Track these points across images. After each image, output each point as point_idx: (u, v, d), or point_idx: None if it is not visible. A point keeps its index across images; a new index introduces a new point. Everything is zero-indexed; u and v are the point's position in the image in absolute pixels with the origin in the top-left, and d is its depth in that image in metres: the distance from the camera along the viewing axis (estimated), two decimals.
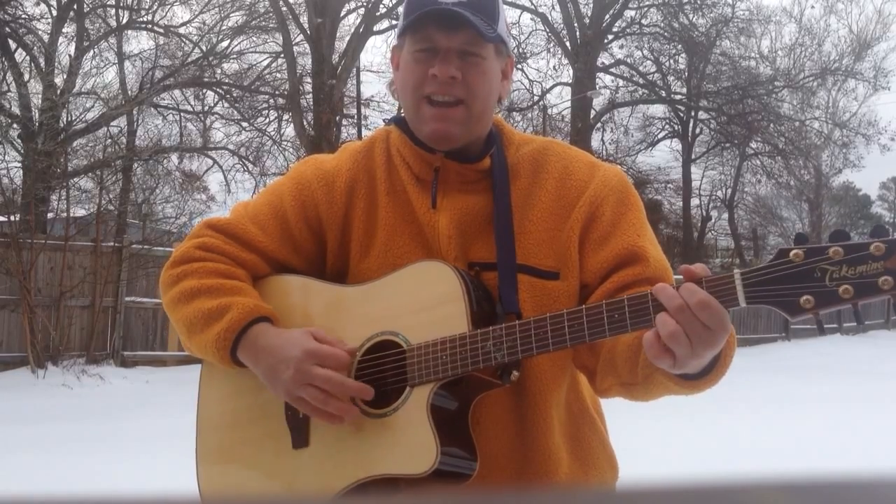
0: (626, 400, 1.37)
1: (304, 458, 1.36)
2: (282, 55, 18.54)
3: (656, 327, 1.10)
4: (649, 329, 1.13)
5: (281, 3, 16.89)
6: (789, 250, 1.08)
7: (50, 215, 12.96)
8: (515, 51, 20.90)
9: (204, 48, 19.49)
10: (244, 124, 20.22)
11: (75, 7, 17.13)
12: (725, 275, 1.11)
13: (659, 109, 25.97)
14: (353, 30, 17.81)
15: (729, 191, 27.96)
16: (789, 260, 1.07)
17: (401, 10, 1.41)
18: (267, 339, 1.32)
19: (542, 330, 1.22)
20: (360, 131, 17.51)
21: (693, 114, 25.23)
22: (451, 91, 1.33)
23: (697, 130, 26.16)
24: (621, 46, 23.79)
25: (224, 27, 19.70)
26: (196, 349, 1.41)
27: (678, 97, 24.63)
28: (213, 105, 20.41)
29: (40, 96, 15.22)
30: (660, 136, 26.46)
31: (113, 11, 18.47)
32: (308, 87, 17.53)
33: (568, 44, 21.77)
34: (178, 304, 1.41)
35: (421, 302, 1.31)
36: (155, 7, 18.68)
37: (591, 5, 21.71)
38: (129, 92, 18.44)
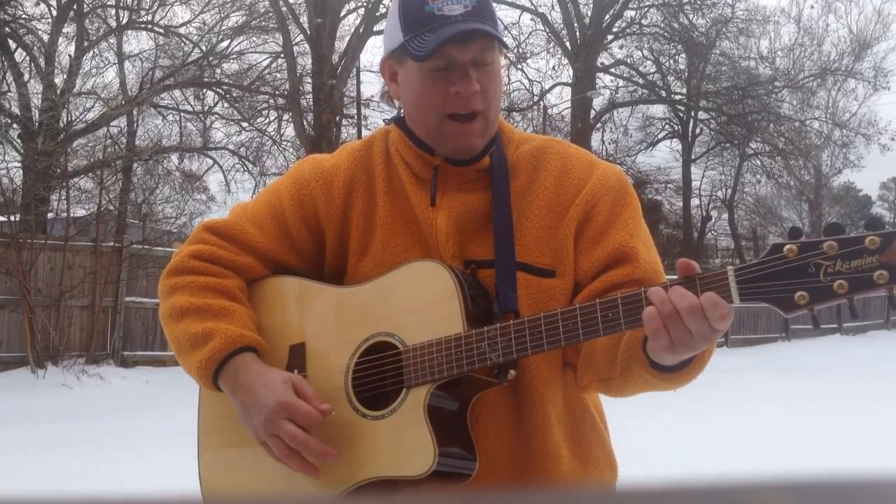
0: (606, 396, 1.38)
1: None
2: (282, 55, 18.54)
3: (654, 305, 1.11)
4: (643, 327, 1.13)
5: (281, 3, 16.89)
6: (783, 245, 1.07)
7: (50, 215, 12.96)
8: (515, 51, 20.89)
9: (204, 48, 19.47)
10: (244, 124, 20.20)
11: (75, 7, 17.11)
12: (719, 271, 1.11)
13: (659, 109, 25.98)
14: (353, 30, 17.83)
15: (729, 191, 27.95)
16: (783, 255, 1.07)
17: (392, 10, 1.38)
18: (247, 377, 1.33)
19: (536, 329, 1.22)
20: (360, 131, 17.51)
21: (693, 114, 25.22)
22: (472, 105, 1.33)
23: (697, 130, 26.14)
24: (621, 46, 23.80)
25: (224, 27, 19.70)
26: (183, 367, 1.43)
27: (678, 97, 24.62)
28: (213, 105, 20.39)
29: (40, 96, 15.22)
30: (660, 136, 26.45)
31: (113, 11, 18.45)
32: (308, 87, 17.52)
33: (568, 44, 21.76)
34: (168, 320, 1.43)
35: (416, 302, 1.31)
36: (155, 7, 18.68)
37: (591, 5, 21.70)
38: (129, 92, 18.41)
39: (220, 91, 19.72)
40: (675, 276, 1.16)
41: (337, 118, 16.71)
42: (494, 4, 1.44)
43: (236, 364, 1.34)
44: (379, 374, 1.33)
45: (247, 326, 1.39)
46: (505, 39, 1.43)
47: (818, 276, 1.05)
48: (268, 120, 20.53)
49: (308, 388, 1.31)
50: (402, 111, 1.47)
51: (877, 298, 22.39)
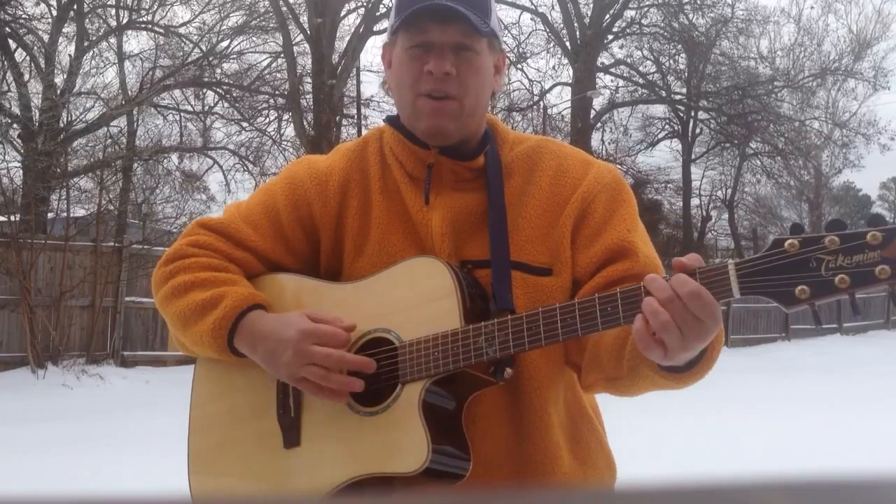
0: (612, 395, 1.37)
1: (295, 457, 1.36)
2: (282, 55, 18.55)
3: (647, 317, 1.09)
4: None
5: (281, 3, 16.90)
6: (784, 240, 1.07)
7: (50, 215, 12.96)
8: (515, 51, 20.90)
9: (204, 48, 19.47)
10: (244, 124, 20.21)
11: (75, 7, 17.11)
12: (719, 265, 1.11)
13: (659, 109, 25.98)
14: (353, 30, 17.84)
15: (729, 191, 27.97)
16: (784, 250, 1.07)
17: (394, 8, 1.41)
18: (264, 325, 1.33)
19: (534, 324, 1.21)
20: (360, 131, 17.51)
21: (693, 114, 25.23)
22: (446, 88, 1.33)
23: (697, 130, 26.15)
24: (621, 46, 23.81)
25: (224, 27, 19.69)
26: (190, 342, 1.40)
27: (678, 97, 24.62)
28: (213, 105, 20.39)
29: (40, 96, 15.22)
30: (660, 136, 26.45)
31: (113, 11, 18.45)
32: (308, 87, 17.53)
33: (568, 44, 21.77)
34: (171, 299, 1.41)
35: (413, 298, 1.30)
36: (155, 7, 18.67)
37: (591, 5, 21.72)
38: (129, 92, 18.41)
39: (220, 91, 19.73)
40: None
41: (337, 118, 16.71)
42: (496, 5, 1.44)
43: (252, 319, 1.34)
44: (374, 370, 1.32)
45: (255, 290, 1.39)
46: (500, 38, 1.43)
47: (819, 270, 1.04)
48: (268, 120, 20.56)
49: (322, 314, 1.32)
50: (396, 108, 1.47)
51: (877, 298, 22.39)
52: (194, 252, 1.44)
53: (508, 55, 1.47)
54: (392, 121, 1.46)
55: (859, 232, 1.03)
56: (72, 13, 17.19)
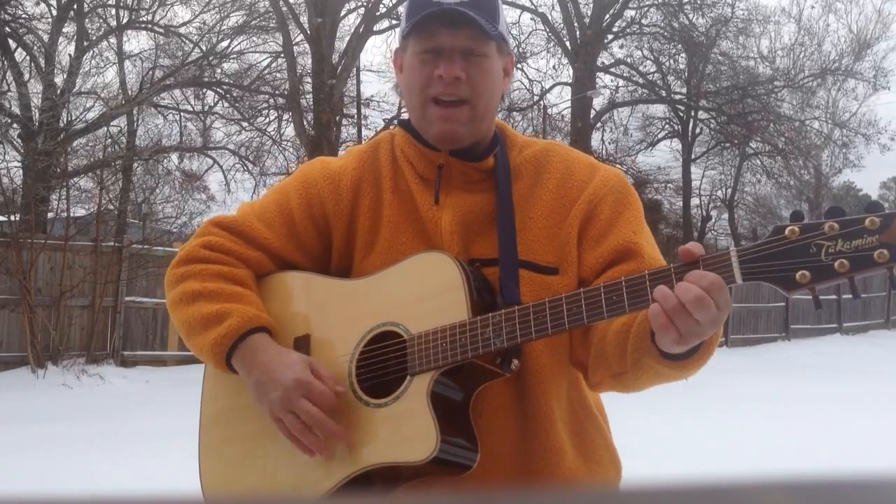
0: (618, 392, 1.39)
1: None
2: (282, 55, 18.53)
3: (658, 300, 1.12)
4: (646, 309, 1.15)
5: (281, 3, 16.88)
6: (785, 227, 1.10)
7: (50, 215, 12.97)
8: (515, 51, 20.87)
9: (204, 48, 19.46)
10: (244, 124, 20.21)
11: (75, 7, 17.10)
12: (722, 252, 1.14)
13: (659, 109, 25.96)
14: (353, 30, 17.80)
15: (729, 191, 27.95)
16: (785, 236, 1.09)
17: (402, 10, 1.43)
18: (265, 356, 1.35)
19: (540, 314, 1.23)
20: (360, 131, 17.52)
21: (693, 114, 25.20)
22: (456, 91, 1.35)
23: (697, 130, 26.12)
24: (621, 46, 23.78)
25: (224, 27, 19.68)
26: (194, 350, 1.44)
27: (678, 97, 24.60)
28: (213, 105, 20.39)
29: (40, 96, 15.21)
30: (660, 135, 26.42)
31: (113, 11, 18.44)
32: (308, 87, 17.51)
33: (568, 44, 21.76)
34: (179, 305, 1.44)
35: (421, 292, 1.33)
36: (155, 7, 18.67)
37: (591, 5, 21.70)
38: (129, 92, 18.39)
39: (220, 91, 19.72)
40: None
41: (337, 118, 16.70)
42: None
43: (252, 343, 1.36)
44: (383, 363, 1.34)
45: (261, 309, 1.42)
46: (508, 41, 1.46)
47: (819, 255, 1.07)
48: (268, 120, 20.55)
49: (324, 370, 1.34)
50: (404, 109, 1.49)
51: (877, 298, 22.37)
52: (206, 256, 1.46)
53: (510, 53, 1.49)
54: (404, 123, 1.48)
55: (858, 217, 1.06)
56: (72, 13, 17.17)
